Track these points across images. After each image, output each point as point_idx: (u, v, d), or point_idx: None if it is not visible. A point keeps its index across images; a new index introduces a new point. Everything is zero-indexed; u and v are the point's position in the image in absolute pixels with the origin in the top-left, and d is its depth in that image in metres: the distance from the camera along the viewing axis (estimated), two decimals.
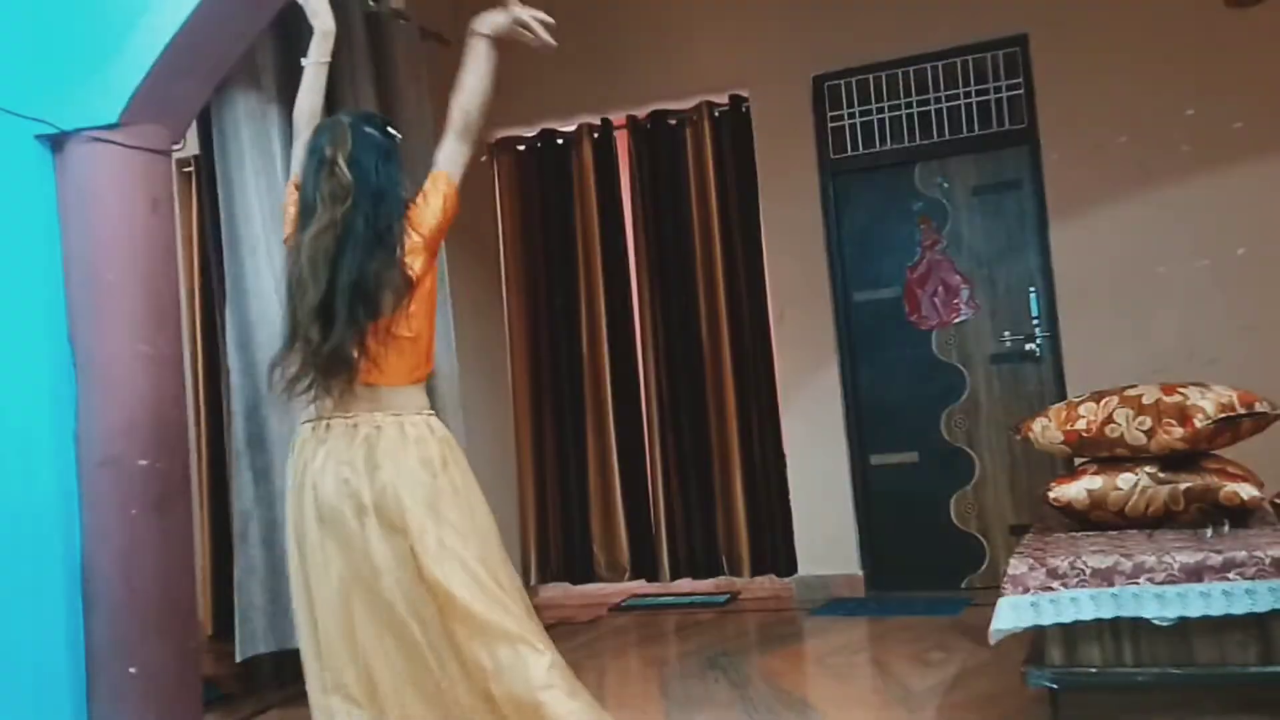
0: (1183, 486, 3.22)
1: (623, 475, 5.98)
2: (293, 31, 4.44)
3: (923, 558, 5.41)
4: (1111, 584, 2.87)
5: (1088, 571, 2.90)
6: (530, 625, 2.42)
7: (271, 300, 4.16)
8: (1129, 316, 5.03)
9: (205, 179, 4.23)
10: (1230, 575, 2.80)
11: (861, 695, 3.90)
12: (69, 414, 3.13)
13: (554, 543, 6.10)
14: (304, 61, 2.71)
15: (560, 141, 6.16)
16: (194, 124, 4.09)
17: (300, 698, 4.04)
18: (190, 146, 4.18)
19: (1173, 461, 3.28)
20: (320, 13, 2.71)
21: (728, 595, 5.69)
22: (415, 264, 2.42)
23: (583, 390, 6.06)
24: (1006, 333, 5.37)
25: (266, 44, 4.24)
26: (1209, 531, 3.11)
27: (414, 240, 2.44)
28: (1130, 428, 3.29)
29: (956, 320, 5.45)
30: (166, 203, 3.36)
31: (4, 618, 3.02)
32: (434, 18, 5.48)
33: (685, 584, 5.89)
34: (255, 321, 4.15)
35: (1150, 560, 2.87)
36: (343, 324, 2.33)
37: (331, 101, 4.62)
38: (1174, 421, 3.23)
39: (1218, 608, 2.79)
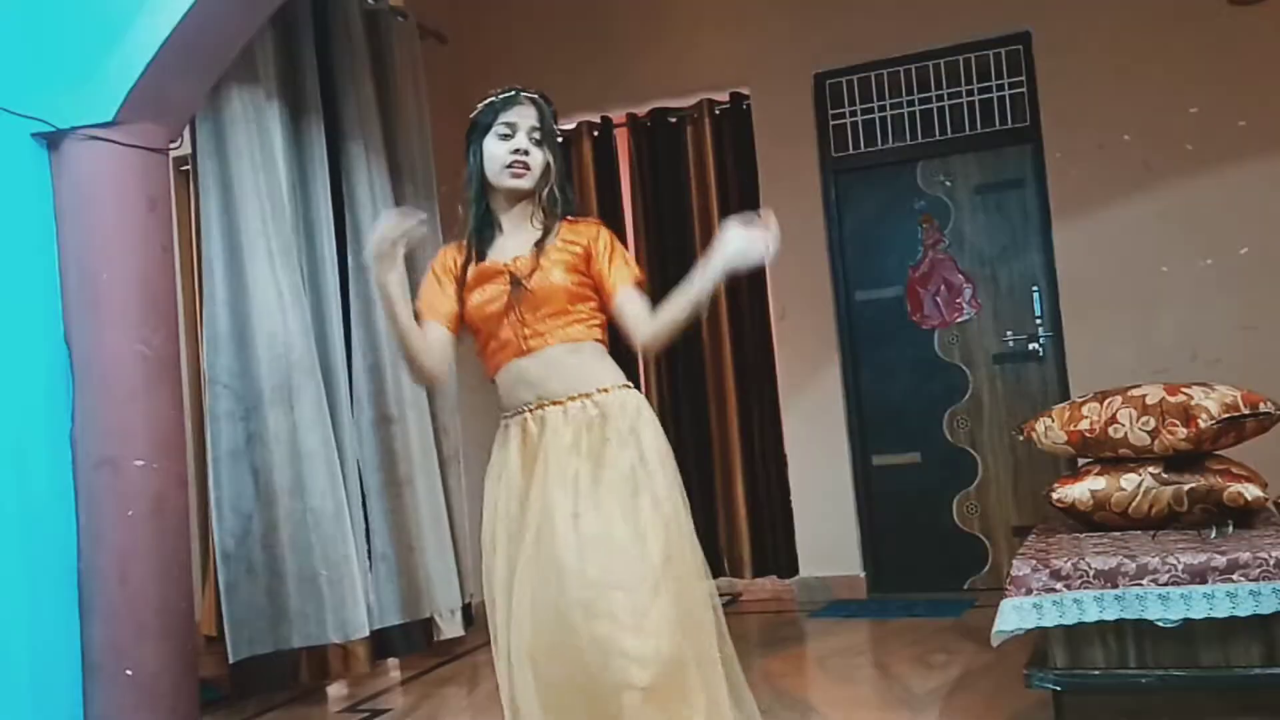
0: (1186, 487, 3.20)
1: None
2: (291, 28, 4.44)
3: (925, 559, 5.39)
4: (1115, 585, 2.85)
5: (1091, 573, 2.88)
6: None
7: (269, 300, 4.15)
8: (1132, 316, 5.01)
9: (198, 177, 4.21)
10: (1234, 577, 2.78)
11: (863, 697, 3.88)
12: (65, 414, 3.12)
13: None
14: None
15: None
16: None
17: (298, 697, 4.03)
18: (189, 144, 4.16)
19: (1176, 462, 3.26)
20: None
21: (728, 597, 5.67)
22: None
23: None
24: (1009, 332, 5.34)
25: (263, 40, 4.22)
26: (1213, 532, 3.09)
27: None
28: (1134, 428, 3.27)
29: (959, 320, 5.43)
30: (164, 201, 3.34)
31: (0, 620, 3.00)
32: (432, 15, 5.47)
33: None
34: (255, 321, 4.14)
35: (1154, 561, 2.85)
36: None
37: (330, 98, 4.64)
38: (1178, 422, 3.21)
39: (1222, 609, 2.77)
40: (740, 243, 2.25)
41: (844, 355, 5.55)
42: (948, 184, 5.47)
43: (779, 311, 5.61)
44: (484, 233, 2.45)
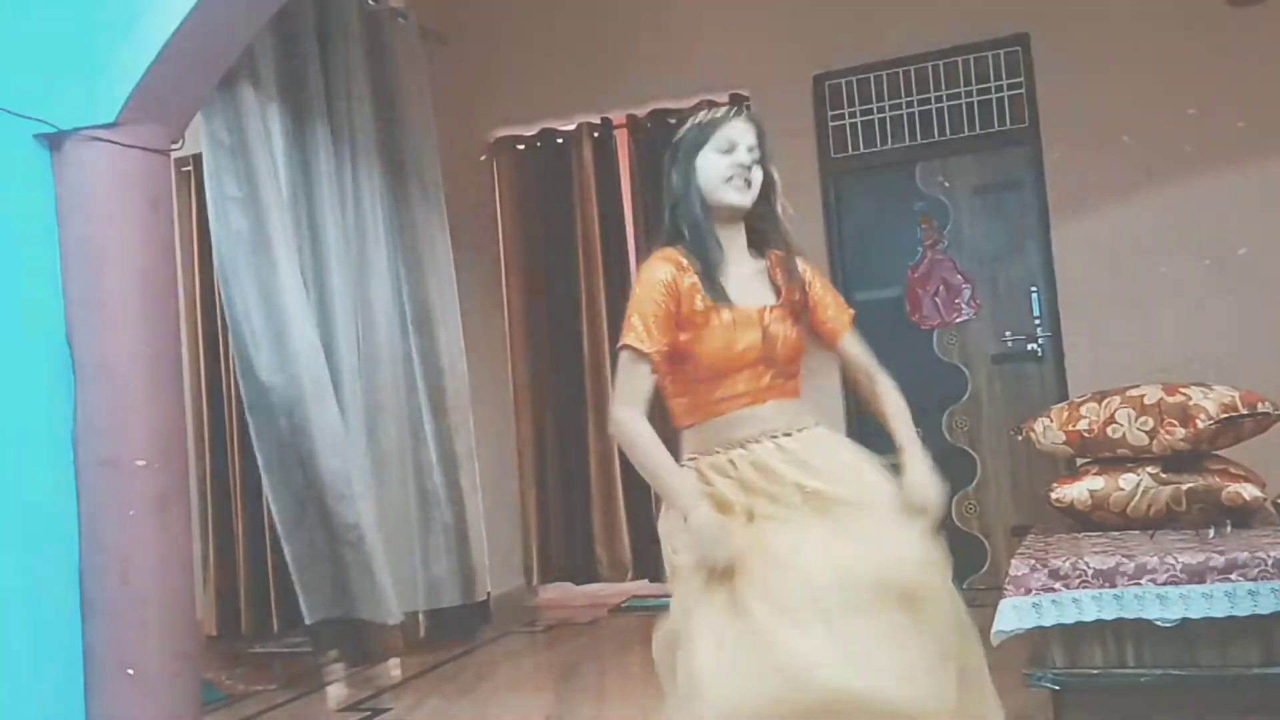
0: (1185, 487, 3.21)
1: (624, 474, 5.96)
2: (292, 30, 4.45)
3: None
4: (1113, 585, 2.86)
5: (1089, 572, 2.89)
6: None
7: (295, 295, 4.19)
8: (1131, 316, 5.02)
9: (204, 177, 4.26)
10: (1233, 576, 2.79)
11: None
12: (67, 414, 3.12)
13: (556, 543, 6.09)
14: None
15: (560, 141, 6.15)
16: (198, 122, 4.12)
17: (303, 696, 4.02)
18: (190, 145, 4.17)
19: (1175, 462, 3.27)
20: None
21: None
22: None
23: (583, 389, 6.05)
24: (1008, 333, 5.36)
25: (265, 41, 4.23)
26: (1211, 532, 3.10)
27: None
28: (1132, 428, 3.28)
29: (958, 320, 5.44)
30: (165, 202, 3.34)
31: (1, 619, 3.01)
32: (433, 16, 5.48)
33: None
34: (289, 317, 4.18)
35: (1152, 561, 2.86)
36: None
37: (330, 101, 4.65)
38: (1176, 422, 3.22)
39: (1220, 609, 2.78)
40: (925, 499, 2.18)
41: None
42: (946, 185, 5.48)
43: None
44: (712, 258, 2.23)
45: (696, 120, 2.33)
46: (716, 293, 2.21)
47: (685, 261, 2.23)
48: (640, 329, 2.17)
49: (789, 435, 2.22)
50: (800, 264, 2.36)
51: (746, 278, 2.28)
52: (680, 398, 2.28)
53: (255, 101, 4.22)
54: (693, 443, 2.27)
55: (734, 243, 2.30)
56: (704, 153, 2.27)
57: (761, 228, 2.34)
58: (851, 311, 2.40)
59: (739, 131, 2.27)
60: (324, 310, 4.47)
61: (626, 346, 2.18)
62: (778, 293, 2.29)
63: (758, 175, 2.28)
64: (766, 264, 2.33)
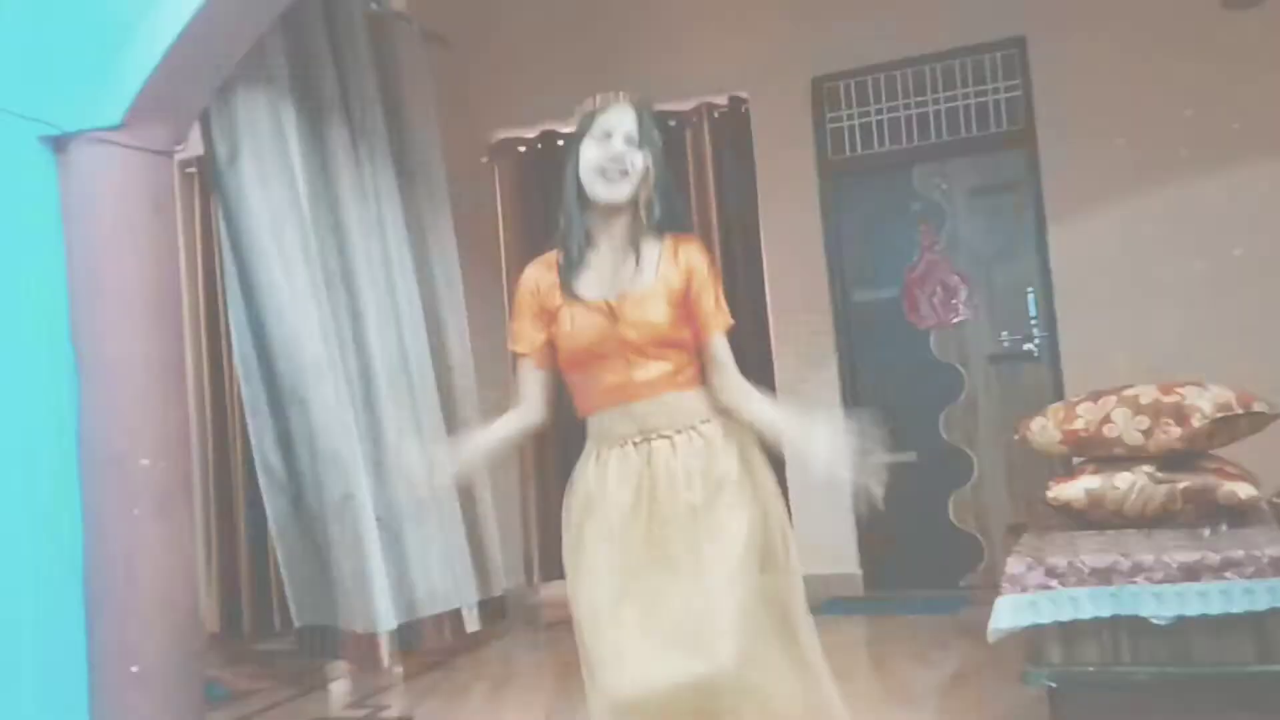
0: (1180, 486, 3.23)
1: None
2: (303, 32, 4.47)
3: (921, 557, 5.42)
4: (1110, 583, 2.88)
5: (1086, 570, 2.91)
6: None
7: (286, 300, 4.21)
8: (1127, 317, 5.04)
9: (213, 178, 4.26)
10: (1228, 574, 2.81)
11: (860, 694, 3.89)
12: (71, 414, 3.14)
13: (556, 540, 6.06)
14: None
15: (561, 142, 6.16)
16: (199, 123, 4.12)
17: (306, 693, 4.04)
18: (194, 147, 4.18)
19: (1171, 461, 3.29)
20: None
21: None
22: None
23: None
24: (1005, 333, 5.38)
25: (276, 40, 4.25)
26: (1207, 531, 3.12)
27: None
28: (1128, 427, 3.30)
29: (955, 321, 5.47)
30: (169, 203, 3.37)
31: (6, 617, 3.02)
32: (437, 19, 5.49)
33: None
34: (272, 321, 4.20)
35: (1148, 559, 2.88)
36: None
37: (333, 103, 4.66)
38: (1172, 421, 3.24)
39: (1215, 607, 2.80)
40: (828, 458, 2.14)
41: (841, 355, 5.58)
42: (944, 186, 5.50)
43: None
44: (575, 253, 2.25)
45: (583, 109, 2.29)
46: (566, 288, 2.25)
47: (555, 259, 2.30)
48: (514, 332, 2.33)
49: (667, 437, 2.22)
50: (686, 252, 2.27)
51: (616, 267, 2.24)
52: (573, 391, 2.35)
53: (267, 99, 4.22)
54: (590, 437, 2.35)
55: (613, 232, 2.26)
56: (585, 142, 2.24)
57: (644, 215, 2.27)
58: (728, 321, 2.28)
59: (616, 118, 2.23)
60: (344, 312, 4.47)
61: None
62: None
63: (637, 162, 2.23)
64: (659, 249, 2.25)
